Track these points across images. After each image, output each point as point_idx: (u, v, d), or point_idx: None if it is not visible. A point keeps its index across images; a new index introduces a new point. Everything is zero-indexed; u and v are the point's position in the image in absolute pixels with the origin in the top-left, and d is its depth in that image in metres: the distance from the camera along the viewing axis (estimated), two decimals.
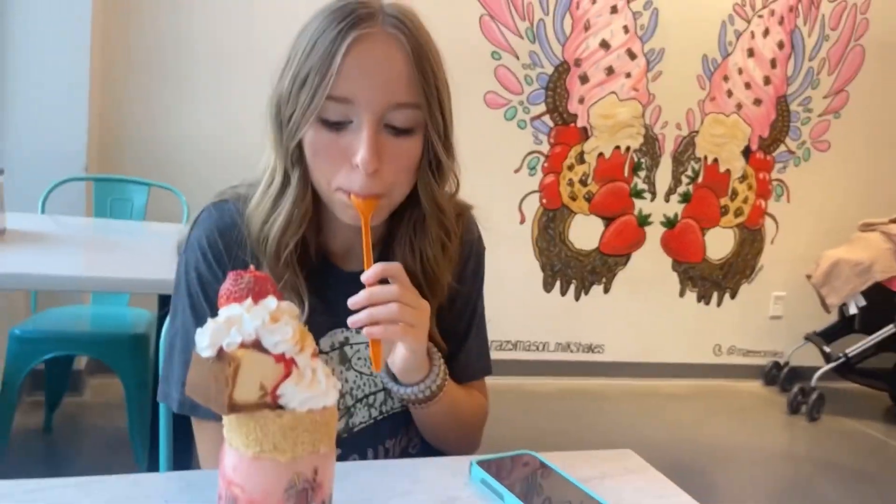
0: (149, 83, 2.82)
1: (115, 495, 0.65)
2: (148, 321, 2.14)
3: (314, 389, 0.50)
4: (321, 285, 0.84)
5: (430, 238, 0.84)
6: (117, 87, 2.78)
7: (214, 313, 0.80)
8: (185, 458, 1.05)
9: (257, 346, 0.49)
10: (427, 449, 0.95)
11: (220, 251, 0.81)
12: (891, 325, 3.20)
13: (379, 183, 0.75)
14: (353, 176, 0.74)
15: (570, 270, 3.45)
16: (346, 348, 0.87)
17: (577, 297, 3.48)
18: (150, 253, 1.93)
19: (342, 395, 0.88)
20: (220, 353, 0.48)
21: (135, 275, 1.62)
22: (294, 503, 0.50)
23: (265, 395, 0.49)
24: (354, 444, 0.89)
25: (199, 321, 0.80)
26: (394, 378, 0.82)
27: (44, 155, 2.52)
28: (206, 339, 0.47)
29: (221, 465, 0.52)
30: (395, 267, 0.75)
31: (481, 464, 0.76)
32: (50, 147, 2.54)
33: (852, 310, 3.31)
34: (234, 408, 0.47)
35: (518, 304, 3.36)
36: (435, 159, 0.80)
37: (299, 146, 0.77)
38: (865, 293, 3.26)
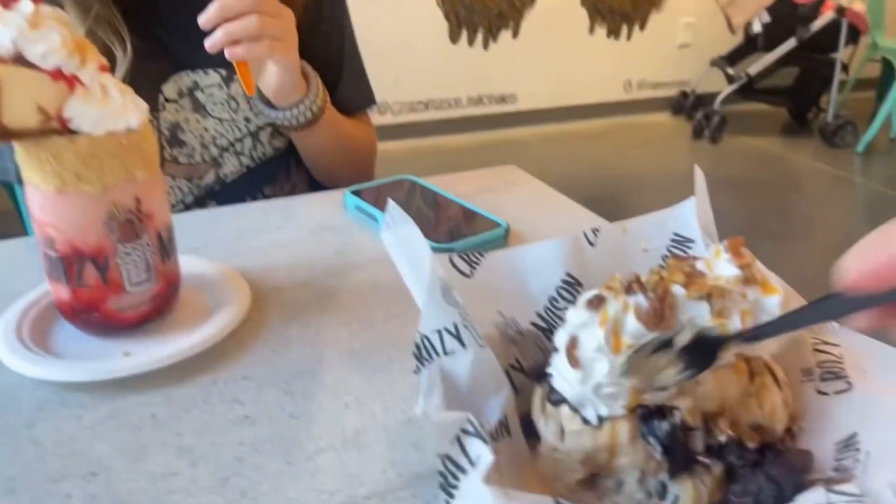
0: None
1: None
2: None
3: (107, 108, 0.43)
4: (150, 23, 0.73)
5: None
6: None
7: None
8: None
9: (21, 60, 0.41)
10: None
11: None
12: (792, 39, 3.23)
13: None
14: None
15: (475, 17, 3.25)
16: (198, 93, 0.79)
17: (485, 46, 3.34)
18: None
19: (205, 146, 0.81)
20: None
21: None
22: (119, 236, 0.46)
23: (50, 120, 0.42)
24: (230, 196, 0.84)
25: None
26: (269, 104, 0.76)
27: None
28: None
29: (28, 208, 0.46)
30: None
31: (356, 192, 0.73)
32: None
33: (756, 28, 3.30)
34: (8, 135, 0.41)
35: (425, 60, 3.21)
36: None
37: None
38: (770, 9, 3.23)
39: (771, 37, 3.28)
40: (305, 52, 0.81)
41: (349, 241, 0.66)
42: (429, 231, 0.65)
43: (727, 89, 3.38)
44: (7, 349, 0.46)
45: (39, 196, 0.45)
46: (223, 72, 0.78)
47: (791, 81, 3.48)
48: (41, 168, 0.43)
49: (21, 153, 0.44)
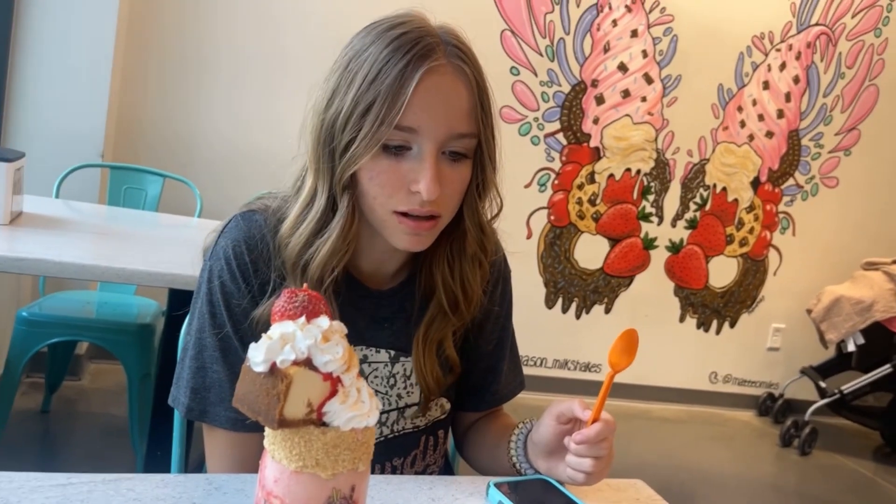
0: (169, 76, 2.83)
1: (142, 493, 0.66)
2: (154, 312, 2.15)
3: (358, 409, 0.51)
4: (344, 302, 0.85)
5: (468, 256, 0.86)
6: (138, 76, 2.79)
7: (234, 324, 0.81)
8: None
9: (308, 363, 0.50)
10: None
11: (246, 263, 0.80)
12: (888, 366, 3.22)
13: (435, 206, 0.77)
14: (411, 200, 0.76)
15: (572, 288, 3.46)
16: (364, 366, 0.88)
17: (577, 316, 3.49)
18: (161, 245, 1.94)
19: None
20: (273, 369, 0.49)
21: (145, 267, 1.62)
22: None
23: (311, 412, 0.50)
24: None
25: (217, 330, 0.80)
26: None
27: (61, 139, 2.53)
28: (260, 355, 0.49)
29: (262, 475, 0.53)
30: (614, 424, 0.78)
31: (499, 486, 0.77)
32: (67, 132, 2.55)
33: (850, 347, 3.32)
34: (282, 423, 0.49)
35: (519, 318, 3.35)
36: (482, 182, 0.82)
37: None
38: (865, 331, 3.27)
39: (866, 358, 3.28)
40: (467, 343, 0.92)
41: None
42: None
43: (819, 402, 3.33)
44: None
45: (278, 471, 0.51)
46: (392, 353, 0.88)
47: (885, 405, 3.40)
48: (289, 449, 0.51)
49: (277, 434, 0.51)
